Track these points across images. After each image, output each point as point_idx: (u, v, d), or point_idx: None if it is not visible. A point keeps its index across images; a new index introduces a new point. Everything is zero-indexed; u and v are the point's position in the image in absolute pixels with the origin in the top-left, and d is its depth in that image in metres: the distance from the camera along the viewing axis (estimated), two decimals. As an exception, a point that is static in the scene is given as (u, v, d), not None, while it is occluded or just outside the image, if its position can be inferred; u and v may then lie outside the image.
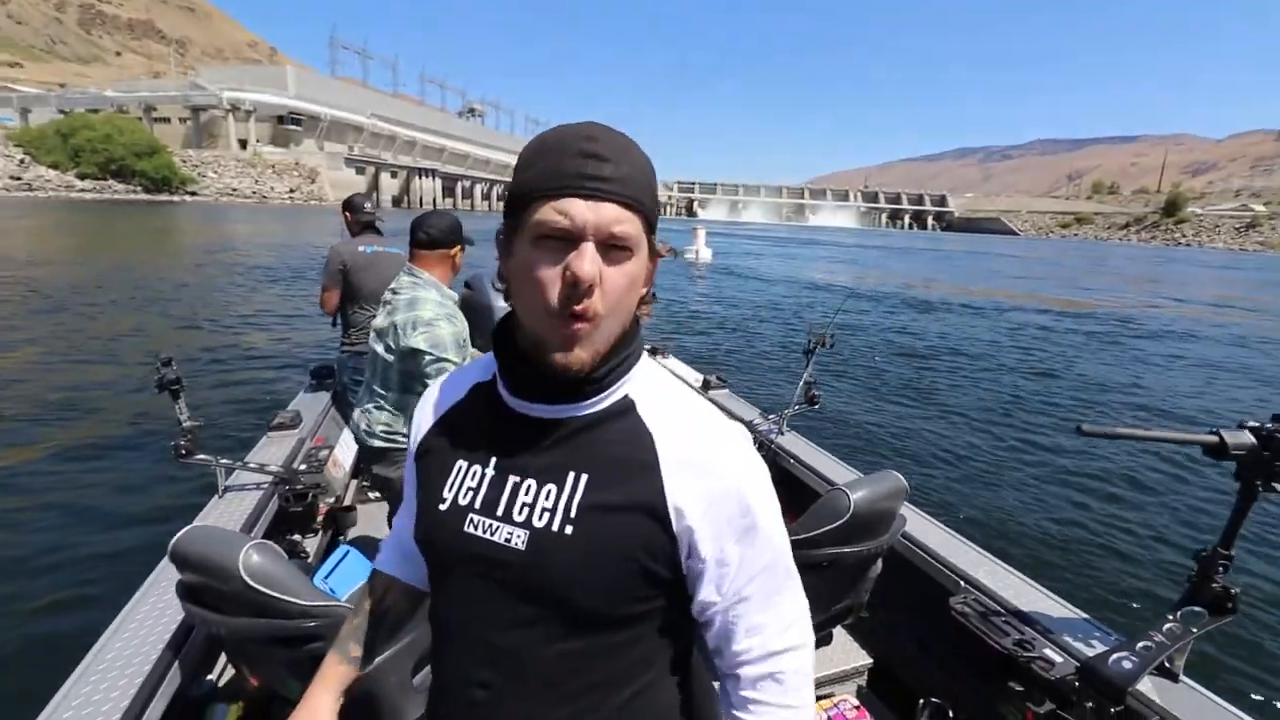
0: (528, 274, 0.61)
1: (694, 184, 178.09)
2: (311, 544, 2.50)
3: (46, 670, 1.36)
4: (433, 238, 2.15)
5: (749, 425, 3.12)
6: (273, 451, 2.65)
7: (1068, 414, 7.25)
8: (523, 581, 0.66)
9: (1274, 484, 1.34)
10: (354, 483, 3.42)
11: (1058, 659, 1.54)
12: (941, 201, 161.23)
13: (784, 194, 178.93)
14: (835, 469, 2.66)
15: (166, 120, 76.03)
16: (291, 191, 64.85)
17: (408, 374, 2.05)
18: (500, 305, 3.83)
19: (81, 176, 52.86)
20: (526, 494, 0.67)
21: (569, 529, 0.64)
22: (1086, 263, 43.70)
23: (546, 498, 0.66)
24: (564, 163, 0.59)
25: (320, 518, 2.68)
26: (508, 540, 0.66)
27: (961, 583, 1.88)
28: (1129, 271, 36.66)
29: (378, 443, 2.27)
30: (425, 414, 0.80)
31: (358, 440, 2.48)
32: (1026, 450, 6.01)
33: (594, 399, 0.68)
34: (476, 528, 0.68)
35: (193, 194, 58.87)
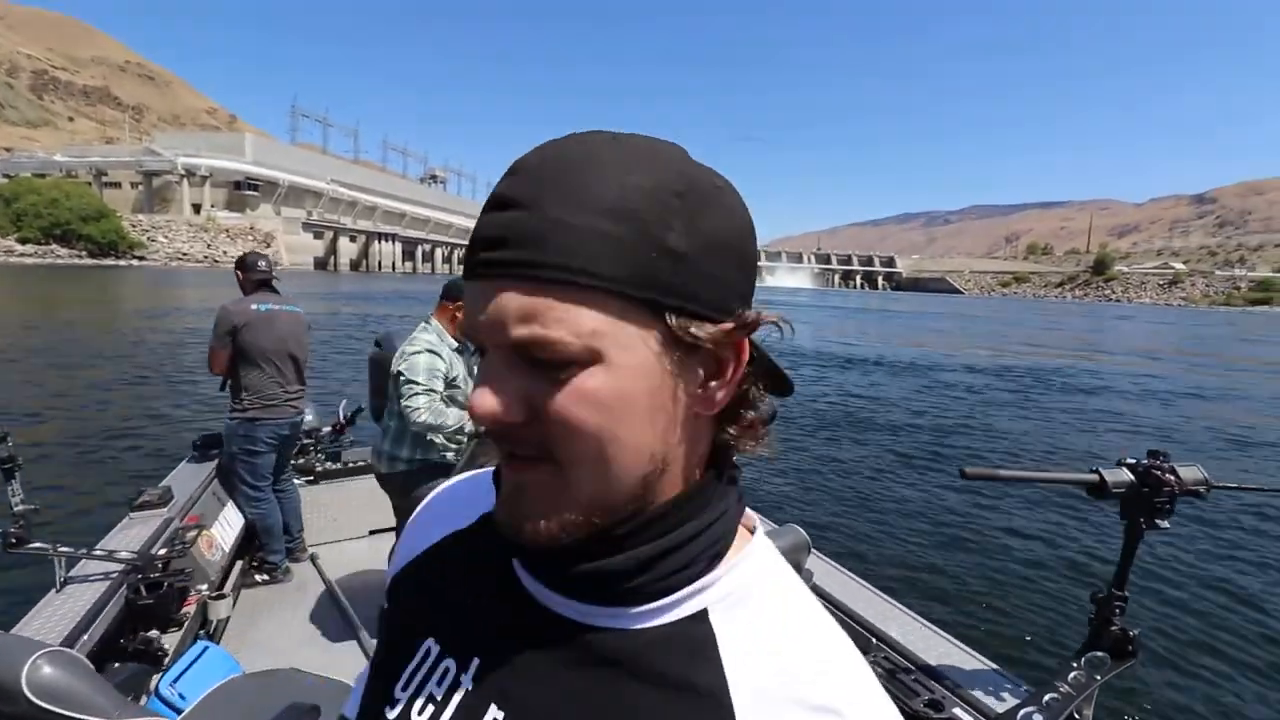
0: None
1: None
2: (173, 640, 2.20)
3: None
4: (443, 291, 2.55)
5: None
6: (131, 535, 2.37)
7: (967, 460, 7.30)
8: None
9: (1156, 521, 1.31)
10: (239, 565, 3.12)
11: (967, 718, 1.53)
12: (890, 262, 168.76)
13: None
14: None
15: (118, 185, 75.04)
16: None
17: (396, 397, 2.38)
18: None
19: (23, 241, 51.28)
20: (459, 701, 0.41)
21: None
22: (1023, 318, 45.99)
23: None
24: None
25: (189, 609, 2.37)
26: None
27: (874, 639, 1.83)
28: (1062, 326, 38.71)
29: (382, 468, 2.55)
30: (418, 527, 0.53)
31: (383, 475, 2.59)
32: (928, 498, 6.03)
33: (639, 610, 0.38)
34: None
35: (141, 258, 57.64)
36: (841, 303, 64.39)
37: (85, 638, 1.81)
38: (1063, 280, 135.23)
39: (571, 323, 0.32)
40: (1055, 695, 1.36)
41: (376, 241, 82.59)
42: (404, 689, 0.44)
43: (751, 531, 0.43)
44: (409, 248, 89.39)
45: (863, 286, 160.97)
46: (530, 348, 0.33)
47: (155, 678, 1.94)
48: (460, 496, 0.52)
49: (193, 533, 2.50)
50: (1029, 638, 3.72)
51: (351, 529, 3.63)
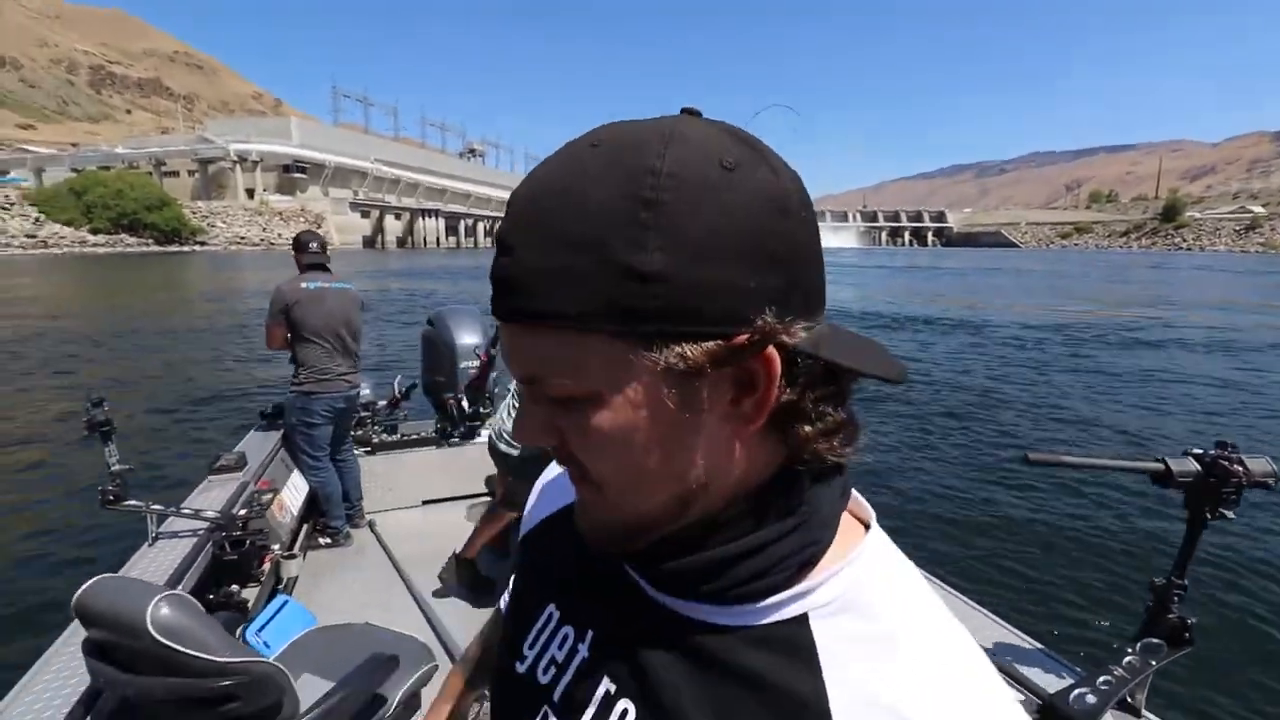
0: None
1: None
2: (251, 594, 2.35)
3: None
4: None
5: None
6: (212, 496, 2.51)
7: (1025, 439, 7.09)
8: None
9: (1221, 510, 1.32)
10: (305, 528, 3.29)
11: (1020, 697, 1.51)
12: (940, 217, 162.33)
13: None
14: None
15: (175, 174, 78.06)
16: (314, 230, 66.16)
17: None
18: (463, 343, 3.73)
19: (94, 231, 54.24)
20: (590, 692, 0.42)
21: None
22: (1084, 271, 43.81)
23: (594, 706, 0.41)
24: None
25: (265, 566, 2.51)
26: None
27: None
28: (1126, 279, 36.76)
29: (503, 446, 2.61)
30: (549, 486, 0.57)
31: (494, 450, 2.67)
32: (980, 478, 5.89)
33: (739, 609, 0.38)
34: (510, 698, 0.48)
35: (202, 244, 60.19)
36: (888, 261, 62.37)
37: (180, 587, 1.90)
38: (1128, 229, 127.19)
39: (561, 364, 0.32)
40: (1109, 678, 1.36)
41: (420, 218, 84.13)
42: (530, 647, 0.48)
43: (867, 528, 0.41)
44: (451, 223, 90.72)
45: (911, 244, 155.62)
46: (536, 384, 0.35)
47: (240, 627, 2.08)
48: None
49: (268, 496, 2.62)
50: (1081, 623, 3.69)
51: (407, 498, 3.77)
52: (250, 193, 75.99)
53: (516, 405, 2.71)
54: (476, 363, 3.82)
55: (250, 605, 2.30)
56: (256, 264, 40.38)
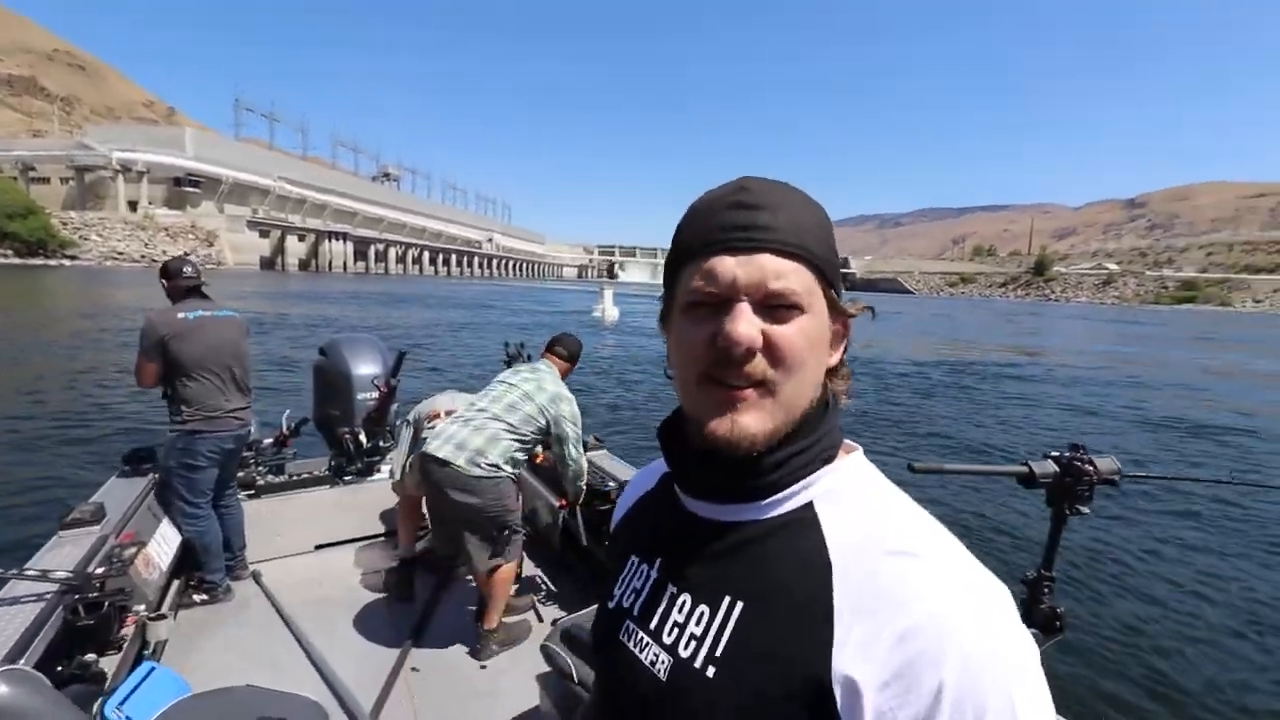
0: (678, 346, 0.54)
1: (614, 247, 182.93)
2: (112, 663, 2.14)
3: None
4: (571, 354, 2.97)
5: (625, 485, 2.91)
6: (64, 554, 2.27)
7: (910, 454, 7.63)
8: None
9: (1078, 507, 1.43)
10: (176, 584, 3.00)
11: None
12: (844, 263, 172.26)
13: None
14: None
15: (46, 180, 71.06)
16: (186, 255, 61.53)
17: (554, 438, 2.72)
18: (360, 373, 3.58)
19: (-60, 239, 48.07)
20: (680, 611, 0.57)
21: (711, 670, 0.52)
22: (967, 317, 47.77)
23: (697, 622, 0.55)
24: (711, 219, 0.53)
25: (127, 630, 2.30)
26: (652, 664, 0.57)
27: None
28: (1003, 324, 40.38)
29: (465, 466, 2.49)
30: (625, 497, 0.77)
31: (429, 465, 2.52)
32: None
33: (766, 501, 0.55)
34: (629, 638, 0.60)
35: (73, 258, 54.69)
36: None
37: (22, 661, 1.72)
38: (1006, 280, 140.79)
39: (801, 282, 0.51)
40: None
41: (327, 240, 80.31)
42: (619, 588, 0.65)
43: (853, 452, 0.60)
44: (361, 247, 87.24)
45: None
46: (778, 295, 0.50)
47: (99, 700, 1.87)
48: (647, 470, 0.76)
49: (130, 550, 2.38)
50: None
51: (296, 544, 3.49)
52: (133, 205, 70.05)
53: (413, 444, 2.70)
54: (375, 394, 3.60)
55: (110, 676, 2.06)
56: (134, 281, 37.00)
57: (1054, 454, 1.44)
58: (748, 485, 0.55)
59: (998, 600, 0.46)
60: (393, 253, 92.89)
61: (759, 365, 0.50)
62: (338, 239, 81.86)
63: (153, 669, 2.00)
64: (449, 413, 2.94)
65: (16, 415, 7.74)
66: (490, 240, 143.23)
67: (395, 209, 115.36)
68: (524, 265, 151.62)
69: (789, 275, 0.50)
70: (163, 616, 2.59)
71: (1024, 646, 0.44)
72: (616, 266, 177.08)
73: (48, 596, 1.99)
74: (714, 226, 0.52)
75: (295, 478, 3.71)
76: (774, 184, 0.54)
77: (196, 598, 2.97)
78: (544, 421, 2.65)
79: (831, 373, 0.57)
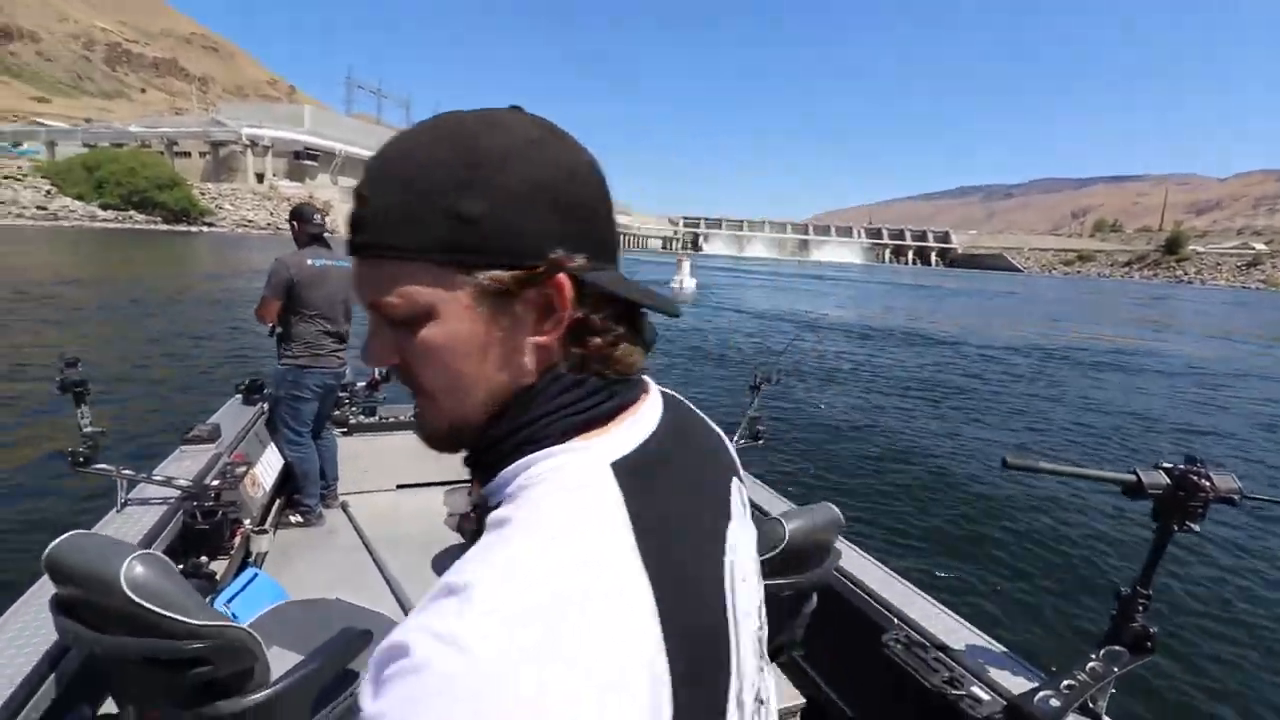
0: None
1: (699, 219, 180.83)
2: (220, 567, 2.30)
3: None
4: None
5: None
6: (184, 465, 2.44)
7: (1004, 448, 7.15)
8: None
9: (1188, 523, 1.36)
10: (277, 504, 3.25)
11: (985, 697, 1.55)
12: (944, 238, 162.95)
13: (788, 229, 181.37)
14: (775, 503, 2.61)
15: (187, 154, 78.51)
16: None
17: None
18: None
19: (104, 207, 54.57)
20: None
21: None
22: (1083, 298, 44.19)
23: None
24: None
25: (235, 540, 2.46)
26: None
27: (894, 619, 1.87)
28: (1126, 307, 37.20)
29: None
30: None
31: None
32: (961, 485, 6.00)
33: (492, 491, 0.46)
34: None
35: (210, 225, 60.52)
36: (890, 278, 62.85)
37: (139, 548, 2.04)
38: (1131, 259, 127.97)
39: (399, 289, 0.41)
40: (1072, 682, 1.39)
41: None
42: None
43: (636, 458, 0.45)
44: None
45: (915, 262, 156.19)
46: (379, 309, 0.43)
47: (209, 596, 2.05)
48: None
49: (241, 469, 2.57)
50: (1048, 628, 3.77)
51: (381, 481, 3.71)
52: (260, 177, 76.44)
53: None
54: None
55: (218, 577, 2.23)
56: (261, 246, 40.64)
57: (1166, 465, 1.37)
58: (476, 478, 0.49)
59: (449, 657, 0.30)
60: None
61: (408, 378, 0.46)
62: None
63: (256, 575, 2.20)
64: None
65: (154, 351, 9.25)
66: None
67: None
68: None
69: (377, 283, 0.42)
70: (265, 531, 2.84)
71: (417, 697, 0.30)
72: (701, 239, 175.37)
73: (170, 501, 2.16)
74: None
75: (384, 420, 3.95)
76: (386, 151, 0.43)
77: (293, 518, 3.23)
78: None
79: (571, 342, 0.45)
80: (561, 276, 0.42)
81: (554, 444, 0.44)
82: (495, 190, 0.40)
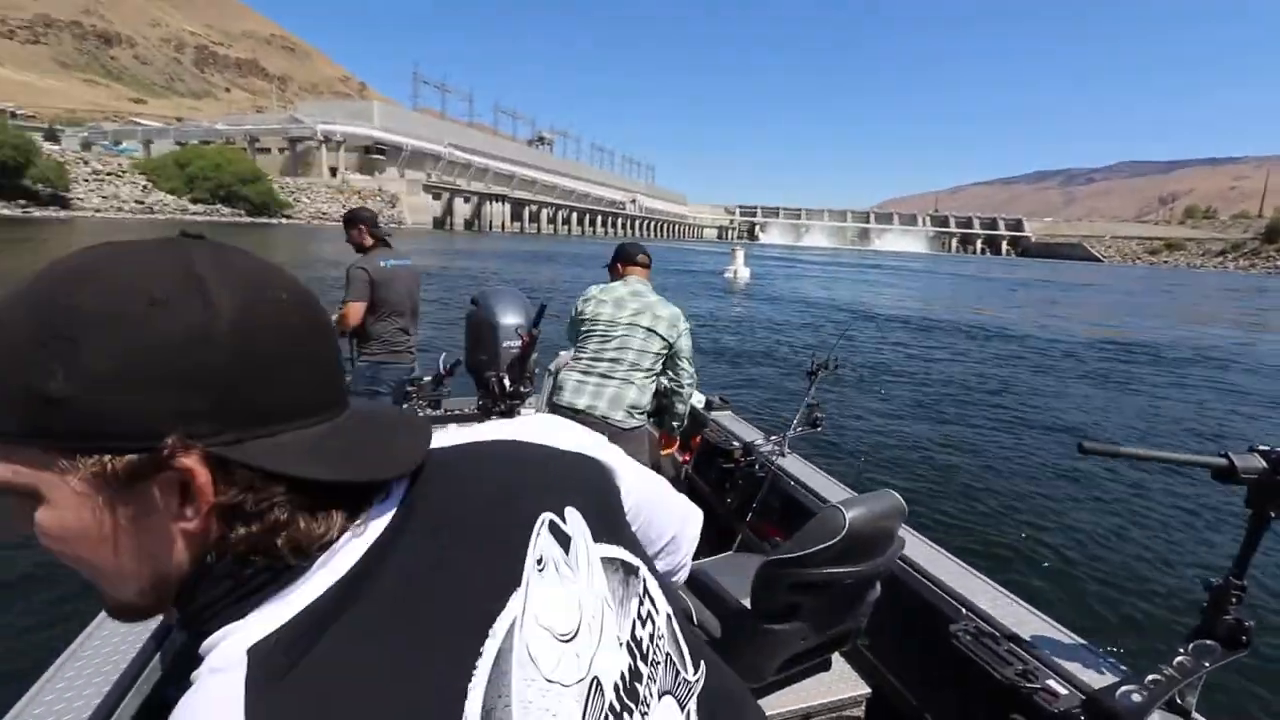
0: None
1: (755, 208, 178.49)
2: None
3: (21, 670, 1.31)
4: (650, 261, 2.81)
5: (749, 446, 3.07)
6: None
7: (1077, 435, 6.79)
8: None
9: None
10: None
11: (1062, 690, 1.48)
12: (1017, 226, 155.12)
13: (848, 218, 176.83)
14: (834, 490, 2.58)
15: (267, 150, 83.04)
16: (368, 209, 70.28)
17: (669, 359, 2.63)
18: (506, 323, 3.67)
19: (194, 201, 58.56)
20: None
21: None
22: (1172, 290, 41.57)
23: None
24: None
25: None
26: None
27: (963, 609, 1.82)
28: (1217, 300, 34.86)
29: (632, 421, 2.52)
30: None
31: (590, 423, 2.33)
32: (1032, 474, 5.83)
33: None
34: None
35: (288, 217, 64.10)
36: (956, 269, 60.58)
37: None
38: (1225, 249, 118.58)
39: (6, 470, 0.36)
40: (1157, 677, 1.31)
41: (488, 203, 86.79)
42: None
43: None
44: (517, 209, 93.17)
45: (984, 252, 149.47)
46: None
47: None
48: None
49: None
50: (1131, 621, 3.61)
51: None
52: (333, 171, 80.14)
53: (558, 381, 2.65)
54: (518, 342, 3.77)
55: None
56: (334, 237, 42.18)
57: (1262, 448, 1.30)
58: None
59: None
60: (544, 214, 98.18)
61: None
62: (497, 201, 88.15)
63: None
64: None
65: None
66: (633, 201, 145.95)
67: (547, 172, 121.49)
68: (665, 226, 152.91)
69: None
70: None
71: None
72: (757, 228, 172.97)
73: None
74: None
75: (449, 412, 4.05)
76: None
77: None
78: (666, 346, 2.60)
79: (231, 518, 0.39)
80: (186, 461, 0.36)
81: (215, 629, 0.40)
82: (78, 367, 0.34)
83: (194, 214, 56.96)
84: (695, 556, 0.60)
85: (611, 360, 2.58)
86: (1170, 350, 14.33)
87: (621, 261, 2.77)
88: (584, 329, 2.67)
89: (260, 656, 0.36)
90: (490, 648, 0.40)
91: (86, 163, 56.67)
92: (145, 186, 57.61)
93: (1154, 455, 1.37)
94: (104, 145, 79.21)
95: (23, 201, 44.54)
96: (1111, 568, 4.20)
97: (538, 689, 0.41)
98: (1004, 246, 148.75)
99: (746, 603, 1.68)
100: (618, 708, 0.45)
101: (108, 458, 0.35)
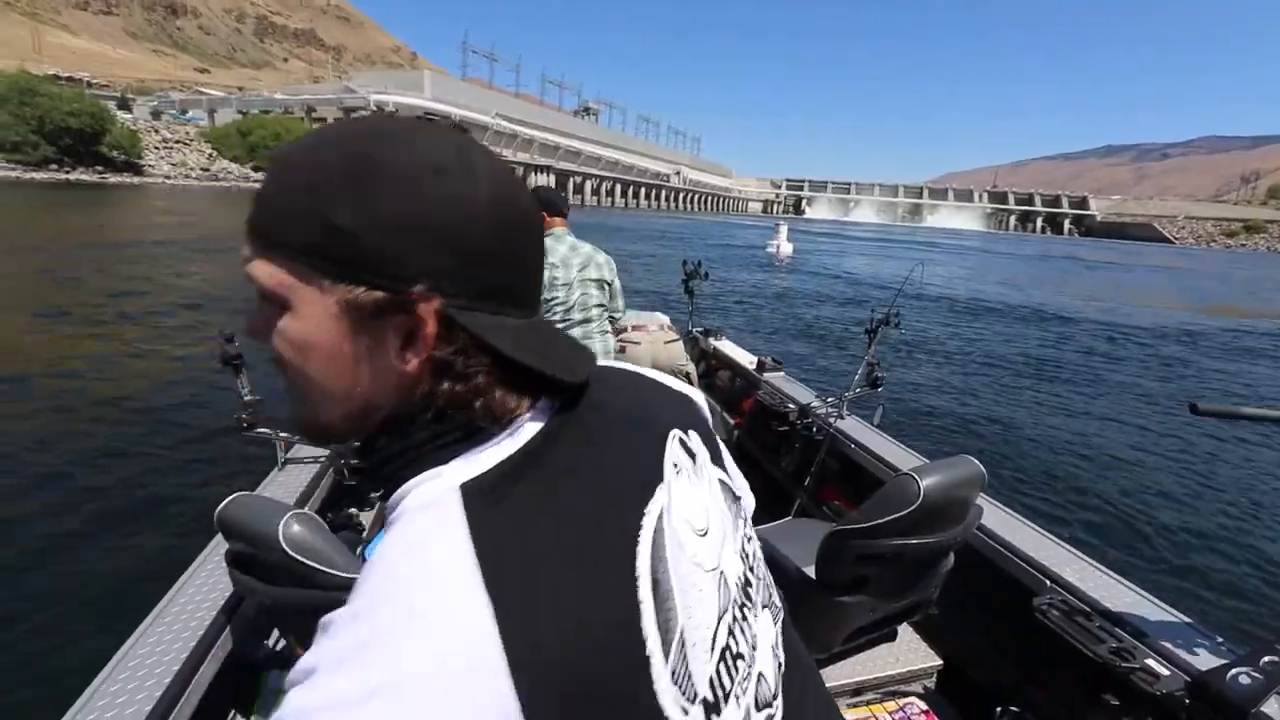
0: None
1: (803, 181, 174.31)
2: (368, 517, 2.49)
3: (109, 634, 1.36)
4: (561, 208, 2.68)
5: (805, 408, 2.97)
6: None
7: (1177, 395, 6.50)
8: None
9: None
10: None
11: (1164, 671, 1.37)
12: (1081, 204, 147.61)
13: (900, 193, 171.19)
14: (901, 455, 2.48)
15: (324, 120, 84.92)
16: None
17: (603, 305, 2.68)
18: None
19: (256, 169, 60.82)
20: None
21: None
22: (1257, 274, 39.26)
23: None
24: None
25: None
26: None
27: (1047, 581, 1.72)
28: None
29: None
30: None
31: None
32: (1125, 437, 5.46)
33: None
34: None
35: (342, 186, 66.29)
36: (1013, 249, 58.25)
37: (308, 507, 2.05)
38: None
39: (265, 271, 0.42)
40: (1274, 659, 1.21)
41: (532, 174, 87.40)
42: None
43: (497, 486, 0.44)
44: (562, 180, 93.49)
45: (1044, 230, 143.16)
46: (253, 281, 0.43)
47: (360, 548, 2.22)
48: None
49: None
50: (1240, 597, 3.38)
51: None
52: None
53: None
54: None
55: (366, 529, 2.43)
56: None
57: None
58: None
59: (341, 669, 0.35)
60: (589, 185, 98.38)
61: (277, 366, 0.46)
62: (543, 172, 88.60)
63: None
64: (636, 327, 3.36)
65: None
66: (678, 173, 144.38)
67: (593, 143, 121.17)
68: (710, 199, 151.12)
69: (254, 264, 0.43)
70: None
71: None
72: (804, 202, 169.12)
73: (322, 459, 2.31)
74: None
75: None
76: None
77: None
78: (607, 286, 2.69)
79: (444, 376, 0.44)
80: (424, 311, 0.42)
81: (411, 476, 0.45)
82: (372, 209, 0.40)
83: (256, 181, 59.12)
84: (755, 523, 0.61)
85: (581, 321, 2.63)
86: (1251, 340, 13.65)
87: (548, 212, 2.62)
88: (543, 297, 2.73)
89: (471, 490, 0.42)
90: (649, 522, 0.46)
91: (157, 131, 59.57)
92: (211, 154, 60.17)
93: (1276, 415, 1.25)
94: (172, 114, 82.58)
95: (99, 168, 47.14)
96: (1217, 540, 3.89)
97: (687, 563, 0.47)
98: (1066, 225, 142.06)
99: (811, 572, 1.63)
100: (740, 601, 0.53)
101: (362, 289, 0.41)
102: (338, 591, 1.16)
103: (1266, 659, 1.21)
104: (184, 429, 4.84)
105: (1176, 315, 16.51)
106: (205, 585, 1.52)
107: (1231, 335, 13.76)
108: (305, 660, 0.37)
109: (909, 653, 1.98)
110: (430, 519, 0.41)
